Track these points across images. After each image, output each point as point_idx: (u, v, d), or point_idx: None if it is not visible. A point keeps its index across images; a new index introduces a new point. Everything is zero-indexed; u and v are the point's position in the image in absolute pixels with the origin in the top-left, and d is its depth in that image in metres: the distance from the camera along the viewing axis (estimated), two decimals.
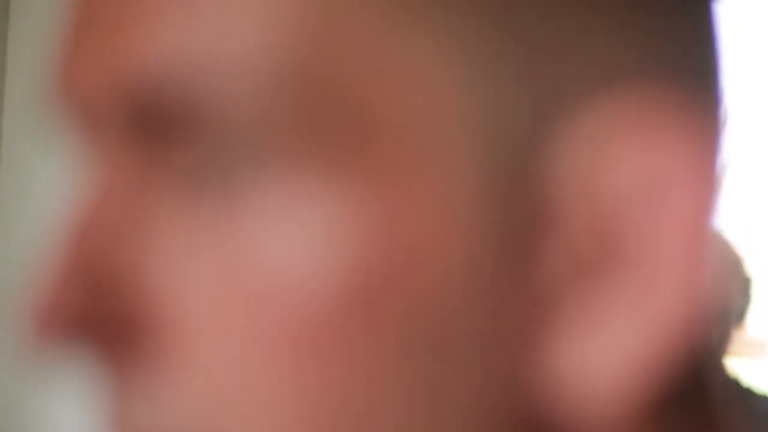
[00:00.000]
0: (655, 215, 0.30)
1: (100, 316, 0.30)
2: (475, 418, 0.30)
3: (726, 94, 0.33)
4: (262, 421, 0.29)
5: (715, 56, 0.33)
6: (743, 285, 1.95)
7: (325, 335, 0.29)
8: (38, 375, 2.16)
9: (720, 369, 0.34)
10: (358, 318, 0.29)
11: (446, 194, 0.29)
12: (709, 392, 0.34)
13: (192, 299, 0.30)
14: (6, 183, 2.27)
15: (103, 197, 0.31)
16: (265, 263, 0.29)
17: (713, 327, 0.33)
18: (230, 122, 0.29)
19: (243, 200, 0.29)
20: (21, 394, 2.20)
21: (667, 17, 0.31)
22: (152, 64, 0.29)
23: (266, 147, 0.29)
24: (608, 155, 0.30)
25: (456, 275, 0.29)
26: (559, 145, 0.30)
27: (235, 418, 0.29)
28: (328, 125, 0.29)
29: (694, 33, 0.32)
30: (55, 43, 0.34)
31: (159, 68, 0.29)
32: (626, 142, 0.30)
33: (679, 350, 0.30)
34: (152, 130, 0.30)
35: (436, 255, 0.29)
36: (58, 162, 2.19)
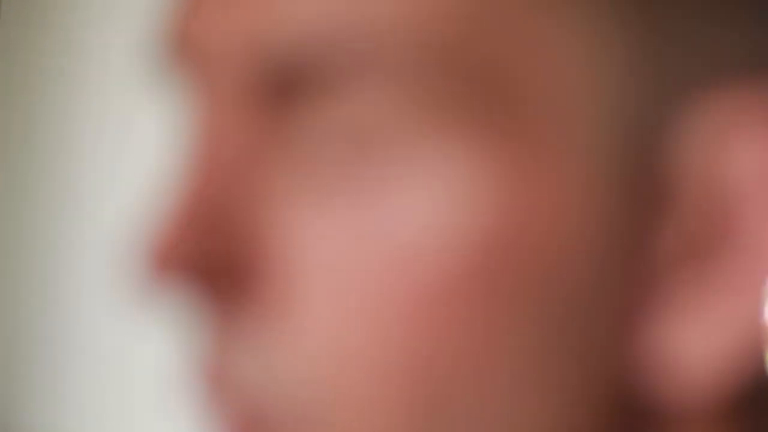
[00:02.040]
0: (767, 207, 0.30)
1: (215, 260, 0.30)
2: (577, 391, 0.30)
3: None
4: (368, 385, 0.29)
5: None
6: None
7: (444, 303, 0.29)
8: (137, 312, 2.17)
9: None
10: (478, 288, 0.29)
11: (573, 169, 0.29)
12: None
13: (311, 258, 0.30)
14: (107, 132, 2.29)
15: (224, 147, 0.31)
16: (394, 229, 0.29)
17: None
18: (371, 89, 0.29)
19: (375, 166, 0.29)
20: (115, 331, 2.21)
21: None
22: (296, 28, 0.29)
23: (399, 112, 0.29)
24: (727, 144, 0.30)
25: (572, 249, 0.29)
26: (681, 132, 0.30)
27: (341, 380, 0.30)
28: (464, 93, 0.29)
29: None
30: None
31: (302, 32, 0.29)
32: (745, 133, 0.30)
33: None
34: (285, 92, 0.30)
35: (556, 228, 0.29)
36: (160, 112, 2.20)
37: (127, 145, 2.24)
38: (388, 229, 0.29)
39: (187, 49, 0.32)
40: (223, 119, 0.31)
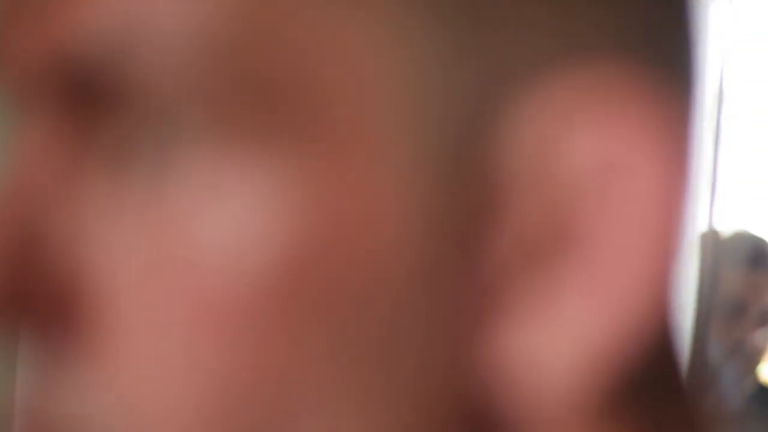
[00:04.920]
0: (608, 200, 0.28)
1: (27, 286, 0.29)
2: (414, 406, 0.28)
3: (701, 84, 0.32)
4: (185, 406, 0.28)
5: (688, 41, 0.31)
6: None
7: (255, 314, 0.27)
8: None
9: (703, 364, 0.33)
10: (289, 297, 0.27)
11: (384, 172, 0.28)
12: (677, 382, 0.32)
13: (120, 273, 0.29)
14: None
15: (32, 166, 0.30)
16: (195, 237, 0.28)
17: (678, 318, 0.32)
18: (163, 94, 0.28)
19: (175, 173, 0.28)
20: None
21: None
22: (85, 34, 0.28)
23: (199, 120, 0.28)
24: (560, 136, 0.28)
25: (393, 257, 0.28)
26: (508, 126, 0.28)
27: (156, 399, 0.28)
28: (262, 99, 0.28)
29: (664, 15, 0.30)
30: None
31: (91, 38, 0.28)
32: (578, 122, 0.28)
33: (635, 339, 0.29)
34: (84, 100, 0.29)
35: (371, 234, 0.27)
36: None
37: None
38: (190, 236, 0.28)
39: (1, 62, 0.31)
40: (35, 133, 0.30)
